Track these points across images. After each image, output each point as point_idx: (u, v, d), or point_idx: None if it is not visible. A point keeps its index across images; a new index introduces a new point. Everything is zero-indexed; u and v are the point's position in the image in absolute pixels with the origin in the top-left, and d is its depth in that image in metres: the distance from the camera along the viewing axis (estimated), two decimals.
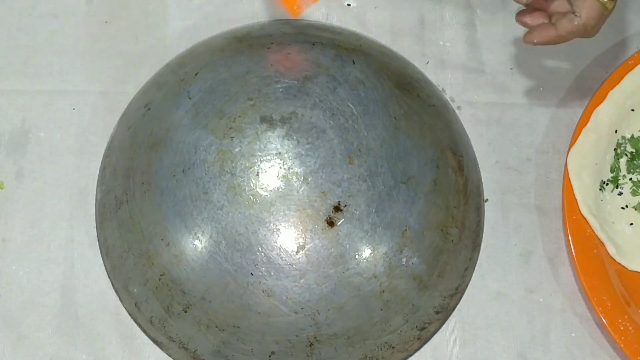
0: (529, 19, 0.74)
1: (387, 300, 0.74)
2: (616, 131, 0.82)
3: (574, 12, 0.71)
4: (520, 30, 0.88)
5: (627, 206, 0.81)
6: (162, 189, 0.75)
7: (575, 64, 0.87)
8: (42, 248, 0.80)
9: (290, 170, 0.73)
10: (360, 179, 0.73)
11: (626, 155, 0.82)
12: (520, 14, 0.75)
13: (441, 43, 0.87)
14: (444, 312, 0.78)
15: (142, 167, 0.77)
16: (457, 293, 0.79)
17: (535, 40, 0.73)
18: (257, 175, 0.73)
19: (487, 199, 0.83)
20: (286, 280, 0.73)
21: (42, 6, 0.87)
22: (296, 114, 0.74)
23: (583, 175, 0.80)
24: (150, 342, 0.78)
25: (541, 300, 0.80)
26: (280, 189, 0.73)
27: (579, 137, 0.81)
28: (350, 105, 0.75)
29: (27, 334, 0.78)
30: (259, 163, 0.73)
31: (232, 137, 0.74)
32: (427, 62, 0.87)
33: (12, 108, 0.84)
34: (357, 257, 0.73)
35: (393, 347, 0.76)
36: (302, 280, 0.73)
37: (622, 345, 0.76)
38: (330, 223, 0.73)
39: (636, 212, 0.81)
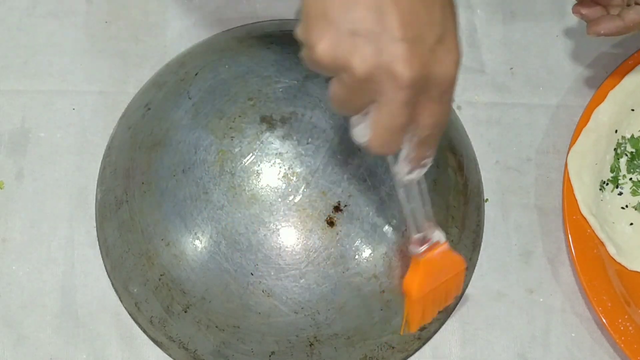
0: (585, 11, 0.74)
1: (387, 300, 0.74)
2: (616, 131, 0.82)
3: (639, 4, 0.71)
4: (520, 30, 0.88)
5: (627, 206, 0.81)
6: (162, 189, 0.75)
7: (576, 64, 0.87)
8: (42, 248, 0.80)
9: (290, 170, 0.73)
10: (360, 179, 0.73)
11: (626, 155, 0.82)
12: (576, 6, 0.74)
13: None
14: (444, 312, 0.78)
15: (142, 167, 0.77)
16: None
17: (602, 32, 0.73)
18: (257, 175, 0.73)
19: (487, 199, 0.83)
20: (286, 280, 0.73)
21: (42, 6, 0.87)
22: (296, 114, 0.74)
23: (583, 175, 0.80)
24: (150, 342, 0.78)
25: (541, 300, 0.80)
26: (281, 189, 0.73)
27: (579, 137, 0.81)
28: None
29: (27, 334, 0.78)
30: (259, 163, 0.73)
31: (232, 137, 0.74)
32: None
33: (12, 108, 0.84)
34: (357, 257, 0.73)
35: (393, 347, 0.76)
36: (302, 280, 0.73)
37: (622, 345, 0.76)
38: (330, 223, 0.73)
39: (636, 212, 0.81)
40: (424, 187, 0.63)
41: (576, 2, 0.75)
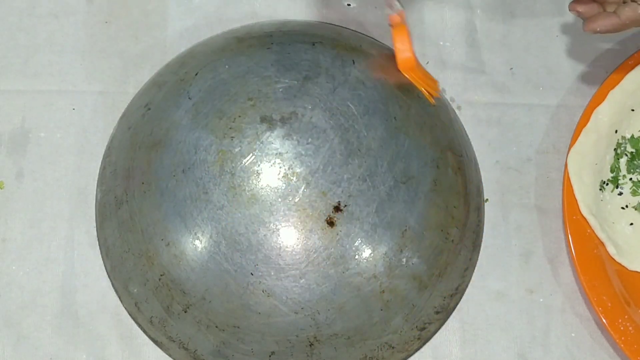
0: (582, 8, 0.74)
1: (387, 300, 0.74)
2: (616, 131, 0.82)
3: (635, 1, 0.72)
4: (520, 30, 0.88)
5: (627, 206, 0.81)
6: (162, 189, 0.75)
7: (575, 64, 0.87)
8: (42, 248, 0.80)
9: (290, 170, 0.73)
10: (360, 179, 0.73)
11: (626, 155, 0.82)
12: (573, 3, 0.75)
13: (441, 43, 0.87)
14: (444, 312, 0.78)
15: (142, 167, 0.77)
16: (457, 293, 0.79)
17: (598, 29, 0.73)
18: (257, 175, 0.73)
19: (487, 199, 0.83)
20: (286, 280, 0.73)
21: (42, 6, 0.87)
22: (296, 114, 0.74)
23: (583, 175, 0.80)
24: (150, 342, 0.78)
25: (541, 300, 0.80)
26: (280, 189, 0.73)
27: (579, 137, 0.81)
28: (350, 105, 0.75)
29: (27, 334, 0.78)
30: (259, 163, 0.73)
31: (232, 137, 0.74)
32: (427, 62, 0.87)
33: (12, 108, 0.84)
34: (357, 257, 0.73)
35: (393, 347, 0.76)
36: (302, 280, 0.73)
37: (622, 345, 0.76)
38: (330, 223, 0.73)
39: (636, 212, 0.81)
40: None
41: (573, 0, 0.75)
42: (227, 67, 0.78)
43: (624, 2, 0.72)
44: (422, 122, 0.78)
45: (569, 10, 0.75)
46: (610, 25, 0.73)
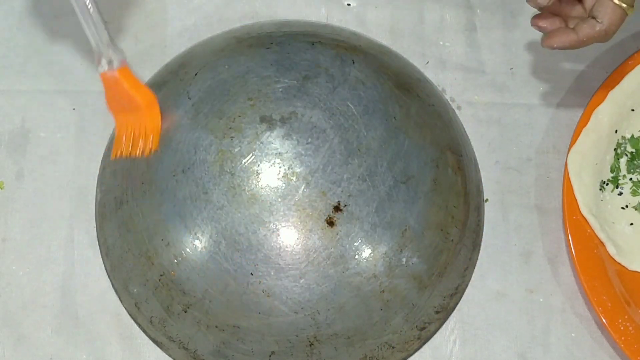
0: (543, 23, 0.73)
1: (387, 300, 0.74)
2: (616, 131, 0.82)
3: (594, 18, 0.70)
4: (520, 30, 0.88)
5: (627, 206, 0.81)
6: (162, 189, 0.75)
7: (575, 64, 0.87)
8: (42, 248, 0.80)
9: (290, 170, 0.73)
10: (360, 179, 0.74)
11: (626, 155, 0.82)
12: (535, 18, 0.74)
13: (441, 43, 0.87)
14: (444, 312, 0.78)
15: (142, 167, 0.77)
16: (457, 293, 0.79)
17: (555, 45, 0.72)
18: (257, 175, 0.73)
19: (487, 199, 0.83)
20: (286, 280, 0.73)
21: (42, 6, 0.87)
22: (296, 113, 0.74)
23: (583, 175, 0.80)
24: (150, 342, 0.78)
25: (541, 300, 0.80)
26: (280, 189, 0.73)
27: (579, 137, 0.81)
28: (350, 105, 0.75)
29: (27, 334, 0.78)
30: (259, 163, 0.73)
31: (232, 137, 0.74)
32: (427, 62, 0.87)
33: (12, 108, 0.84)
34: (357, 257, 0.73)
35: (393, 347, 0.76)
36: (302, 280, 0.73)
37: (622, 345, 0.76)
38: (330, 223, 0.73)
39: (636, 212, 0.81)
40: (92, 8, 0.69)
41: (535, 15, 0.75)
42: (226, 67, 0.78)
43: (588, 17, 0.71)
44: (421, 121, 0.78)
45: (531, 25, 0.74)
46: (568, 42, 0.71)
